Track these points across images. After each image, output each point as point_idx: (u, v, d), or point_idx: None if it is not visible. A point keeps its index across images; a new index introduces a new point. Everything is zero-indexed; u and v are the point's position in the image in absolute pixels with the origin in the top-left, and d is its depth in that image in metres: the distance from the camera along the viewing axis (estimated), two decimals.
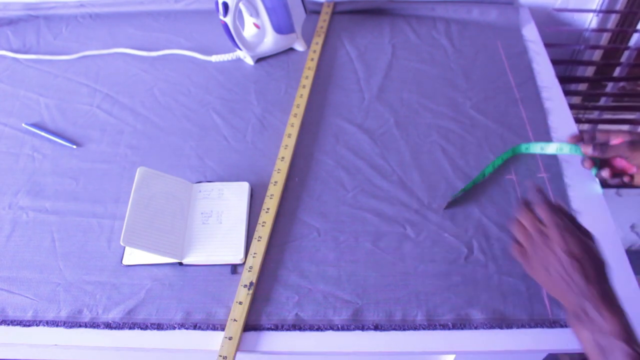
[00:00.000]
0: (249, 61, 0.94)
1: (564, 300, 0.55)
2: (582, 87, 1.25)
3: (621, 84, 1.28)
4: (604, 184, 0.74)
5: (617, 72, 1.21)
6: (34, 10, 1.04)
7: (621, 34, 1.15)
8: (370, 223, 0.72)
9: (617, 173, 0.73)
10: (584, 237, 0.56)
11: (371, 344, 0.62)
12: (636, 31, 1.13)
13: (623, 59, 1.18)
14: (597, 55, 1.18)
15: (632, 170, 0.71)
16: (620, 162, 0.72)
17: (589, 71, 1.21)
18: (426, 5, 1.02)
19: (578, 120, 1.28)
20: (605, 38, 1.15)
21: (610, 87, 1.26)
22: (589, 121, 1.30)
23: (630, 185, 0.71)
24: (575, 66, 1.19)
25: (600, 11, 1.06)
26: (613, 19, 1.11)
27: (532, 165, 0.77)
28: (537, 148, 0.78)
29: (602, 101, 1.28)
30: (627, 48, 1.16)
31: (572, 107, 1.25)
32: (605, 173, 0.73)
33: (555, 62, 1.09)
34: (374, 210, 0.73)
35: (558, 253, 0.54)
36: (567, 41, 1.13)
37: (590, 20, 1.08)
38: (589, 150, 0.72)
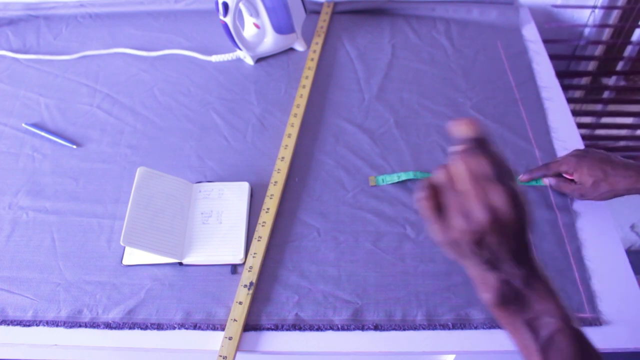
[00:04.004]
0: (249, 61, 0.94)
1: (493, 279, 0.41)
2: (585, 81, 1.26)
3: (622, 83, 1.28)
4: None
5: (619, 67, 1.22)
6: (34, 10, 1.04)
7: (622, 30, 1.15)
8: (370, 223, 0.72)
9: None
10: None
11: (371, 344, 0.62)
12: (638, 26, 1.13)
13: (626, 53, 1.19)
14: (599, 51, 1.19)
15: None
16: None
17: (591, 67, 1.21)
18: (426, 5, 1.02)
19: (577, 113, 1.28)
20: (607, 34, 1.16)
21: (612, 81, 1.27)
22: (587, 113, 1.30)
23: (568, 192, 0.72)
24: (577, 61, 1.19)
25: (598, 7, 1.06)
26: (615, 15, 1.12)
27: (531, 166, 0.77)
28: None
29: (605, 95, 1.29)
30: (629, 43, 1.16)
31: (573, 100, 1.26)
32: (546, 181, 0.74)
33: (557, 58, 1.09)
34: (374, 210, 0.73)
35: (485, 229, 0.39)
36: (568, 38, 1.13)
37: (589, 17, 1.08)
38: (547, 182, 0.74)
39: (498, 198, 0.37)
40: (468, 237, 0.39)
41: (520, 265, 0.40)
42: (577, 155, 0.70)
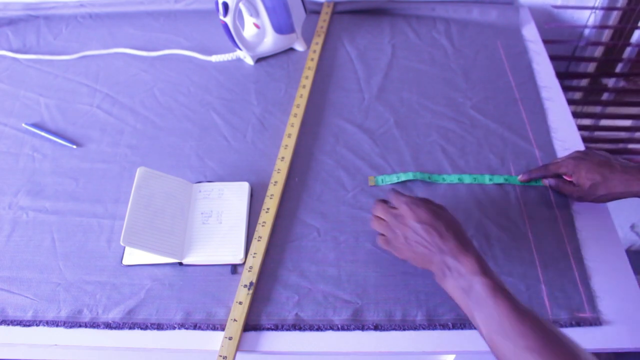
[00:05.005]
0: (249, 61, 0.94)
1: (430, 265, 0.60)
2: (583, 83, 1.26)
3: (621, 83, 1.28)
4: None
5: (618, 68, 1.21)
6: (34, 10, 1.04)
7: (622, 31, 1.15)
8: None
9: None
10: (434, 207, 0.61)
11: (371, 344, 0.62)
12: (637, 28, 1.13)
13: (624, 55, 1.18)
14: (598, 52, 1.19)
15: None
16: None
17: (590, 68, 1.21)
18: (426, 5, 1.02)
19: (577, 115, 1.28)
20: (606, 35, 1.15)
21: (611, 83, 1.27)
22: (588, 115, 1.30)
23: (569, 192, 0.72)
24: (576, 62, 1.19)
25: (599, 8, 1.06)
26: (615, 16, 1.12)
27: (531, 166, 0.77)
28: (502, 179, 0.76)
29: (604, 97, 1.28)
30: (628, 44, 1.16)
31: (572, 102, 1.25)
32: (546, 182, 0.74)
33: (556, 58, 1.09)
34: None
35: (411, 224, 0.60)
36: (568, 38, 1.13)
37: (589, 17, 1.08)
38: (547, 183, 0.74)
39: (424, 215, 0.60)
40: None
41: (454, 250, 0.57)
42: (576, 157, 0.70)
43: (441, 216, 0.60)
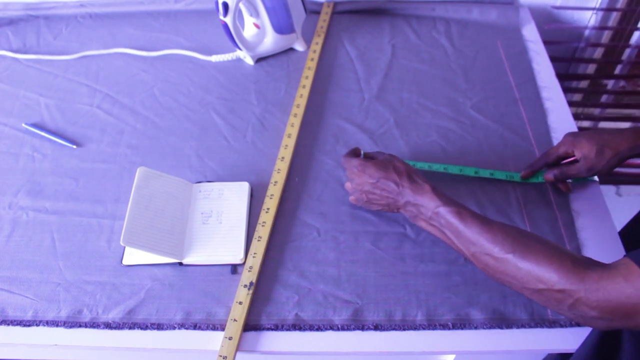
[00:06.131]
0: (249, 61, 0.94)
1: (400, 209, 0.66)
2: (583, 84, 1.25)
3: (621, 83, 1.28)
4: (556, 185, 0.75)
5: (618, 70, 1.21)
6: (34, 10, 1.04)
7: (622, 32, 1.15)
8: (370, 223, 0.72)
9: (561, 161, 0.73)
10: (382, 158, 0.67)
11: (371, 344, 0.62)
12: (637, 29, 1.13)
13: (624, 57, 1.18)
14: (598, 53, 1.18)
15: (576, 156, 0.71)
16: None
17: (590, 69, 1.21)
18: (426, 5, 1.02)
19: (577, 117, 1.28)
20: (606, 36, 1.15)
21: (611, 85, 1.26)
22: (588, 118, 1.30)
23: (571, 176, 0.72)
24: (576, 64, 1.19)
25: (599, 9, 1.06)
26: (614, 17, 1.11)
27: None
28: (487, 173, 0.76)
29: (603, 99, 1.28)
30: (628, 46, 1.16)
31: (572, 104, 1.25)
32: (549, 175, 0.73)
33: (556, 60, 1.10)
34: (374, 210, 0.73)
35: (366, 184, 0.66)
36: (568, 39, 1.13)
37: (590, 18, 1.08)
38: (550, 175, 0.73)
39: (372, 171, 0.65)
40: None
41: (411, 191, 0.62)
42: (570, 135, 0.71)
43: (389, 166, 0.65)
